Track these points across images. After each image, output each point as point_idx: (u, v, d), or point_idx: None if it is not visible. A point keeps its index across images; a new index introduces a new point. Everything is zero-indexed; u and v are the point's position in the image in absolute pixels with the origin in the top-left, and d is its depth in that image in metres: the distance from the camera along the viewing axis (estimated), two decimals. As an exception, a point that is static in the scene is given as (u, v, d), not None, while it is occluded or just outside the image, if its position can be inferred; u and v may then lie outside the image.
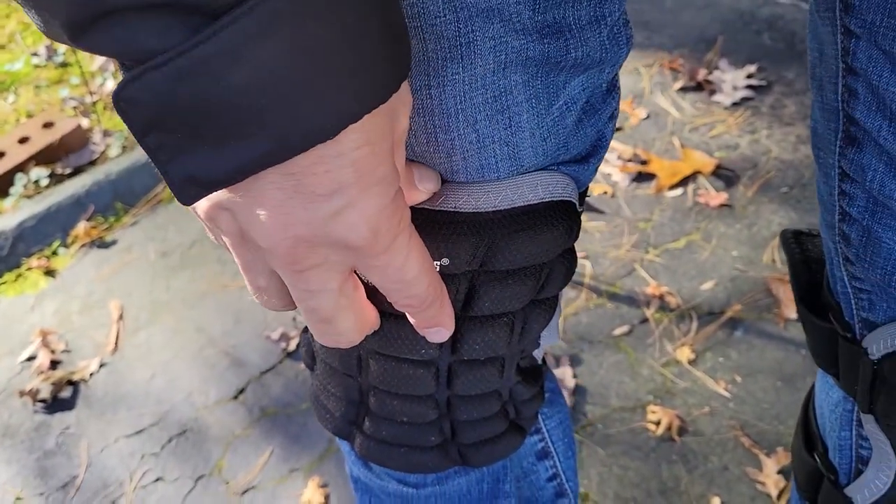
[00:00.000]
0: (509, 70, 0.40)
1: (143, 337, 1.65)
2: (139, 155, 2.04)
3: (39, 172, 2.01)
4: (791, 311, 1.53)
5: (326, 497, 1.33)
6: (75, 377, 1.57)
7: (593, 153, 0.49)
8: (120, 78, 0.30)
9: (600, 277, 1.66)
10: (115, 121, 2.21)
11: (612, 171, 1.91)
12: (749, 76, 2.15)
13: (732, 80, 2.13)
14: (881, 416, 0.59)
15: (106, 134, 2.15)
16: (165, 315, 1.69)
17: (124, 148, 2.10)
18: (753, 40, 2.30)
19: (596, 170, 0.50)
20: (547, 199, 0.45)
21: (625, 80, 2.20)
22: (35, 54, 2.52)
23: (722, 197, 1.81)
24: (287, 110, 0.29)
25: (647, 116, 2.07)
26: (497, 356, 0.51)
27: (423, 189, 0.43)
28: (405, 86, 0.35)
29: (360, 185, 0.32)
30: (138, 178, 2.00)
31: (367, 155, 0.32)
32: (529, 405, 0.58)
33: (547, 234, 0.45)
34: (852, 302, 0.58)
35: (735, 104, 2.08)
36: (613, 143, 1.98)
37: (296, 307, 0.41)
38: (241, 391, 1.52)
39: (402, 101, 0.35)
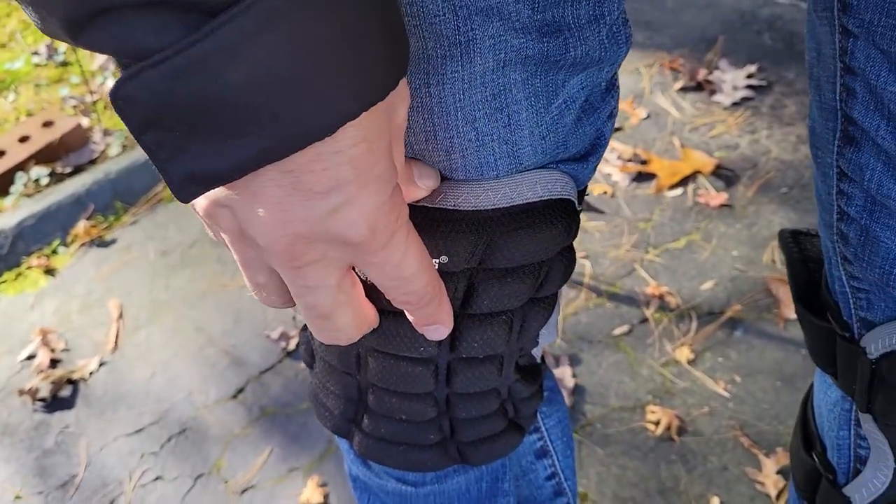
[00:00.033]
0: (508, 68, 0.40)
1: (142, 336, 1.65)
2: (139, 154, 2.04)
3: (39, 171, 2.01)
4: (791, 312, 1.53)
5: (325, 496, 1.33)
6: (75, 376, 1.57)
7: (592, 152, 0.49)
8: (118, 76, 0.30)
9: (600, 277, 1.66)
10: (115, 120, 2.21)
11: (612, 170, 1.91)
12: (749, 76, 2.15)
13: (733, 80, 2.13)
14: (879, 416, 0.59)
15: (106, 133, 2.15)
16: (165, 314, 1.69)
17: (124, 147, 2.10)
18: (754, 40, 2.30)
19: (595, 168, 0.50)
20: (546, 198, 0.45)
21: (625, 79, 2.20)
22: (35, 53, 2.52)
23: (722, 197, 1.81)
24: (285, 108, 0.29)
25: (648, 116, 2.07)
26: (496, 354, 0.51)
27: (422, 186, 0.43)
28: (403, 82, 0.35)
29: (357, 182, 0.32)
30: (138, 178, 2.00)
31: (365, 152, 0.32)
32: (528, 403, 0.58)
33: (546, 232, 0.45)
34: (850, 301, 0.58)
35: (735, 104, 2.08)
36: (613, 143, 1.98)
37: (295, 304, 0.41)
38: (241, 390, 1.52)
39: (399, 97, 0.35)
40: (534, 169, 0.45)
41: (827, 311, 0.62)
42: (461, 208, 0.44)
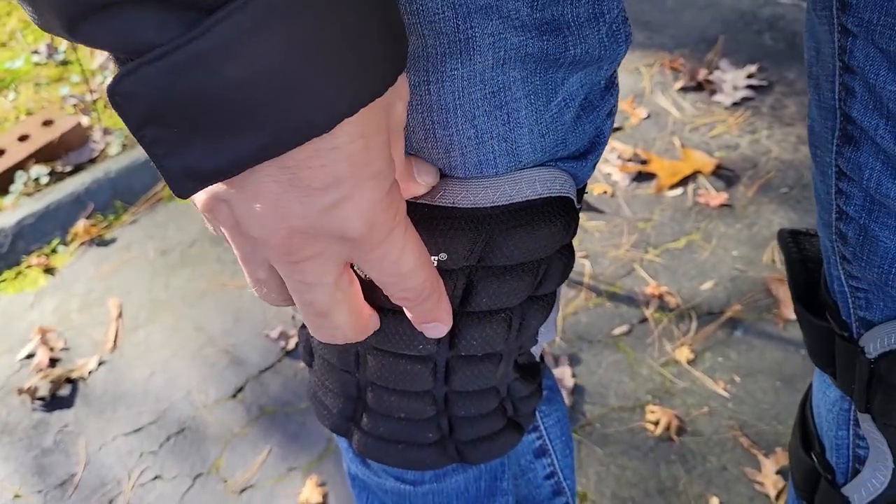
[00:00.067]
0: (508, 66, 0.40)
1: (142, 335, 1.65)
2: (139, 153, 2.04)
3: (39, 170, 2.01)
4: (790, 312, 1.53)
5: (324, 496, 1.33)
6: (74, 375, 1.57)
7: (591, 150, 0.49)
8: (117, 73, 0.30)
9: (600, 277, 1.66)
10: (115, 119, 2.21)
11: (612, 170, 1.91)
12: (750, 76, 2.15)
13: (733, 80, 2.13)
14: (878, 416, 0.59)
15: (106, 132, 2.15)
16: (164, 313, 1.69)
17: (124, 146, 2.10)
18: (754, 40, 2.30)
19: (594, 166, 0.50)
20: (545, 195, 0.45)
21: (625, 79, 2.20)
22: (35, 52, 2.52)
23: (722, 197, 1.81)
24: (282, 105, 0.29)
25: (648, 116, 2.07)
26: (495, 352, 0.51)
27: (421, 182, 0.43)
28: (402, 77, 0.35)
29: (354, 178, 0.32)
30: (138, 177, 2.00)
31: (362, 148, 0.32)
32: (527, 402, 0.58)
33: (545, 230, 0.45)
34: (849, 301, 0.58)
35: (735, 104, 2.08)
36: (614, 143, 1.98)
37: (292, 302, 0.41)
38: (240, 390, 1.52)
39: (398, 93, 0.35)
40: (533, 167, 0.45)
41: (826, 310, 0.62)
42: (460, 206, 0.44)
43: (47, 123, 2.10)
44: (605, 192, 1.86)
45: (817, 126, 0.54)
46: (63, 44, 2.53)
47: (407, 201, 0.39)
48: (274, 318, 1.65)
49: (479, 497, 0.67)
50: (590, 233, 1.76)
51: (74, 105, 2.27)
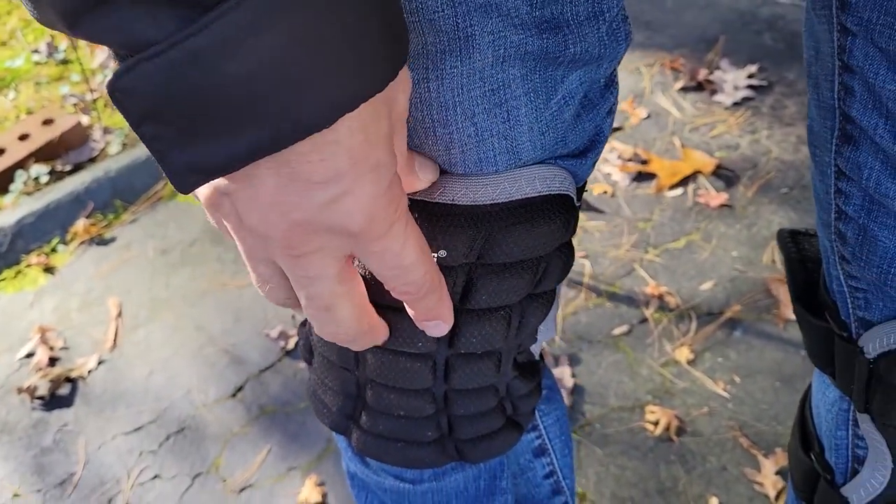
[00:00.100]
0: (507, 64, 0.40)
1: (141, 334, 1.65)
2: (139, 152, 2.04)
3: (39, 169, 2.01)
4: (790, 312, 1.53)
5: (324, 496, 1.33)
6: (73, 374, 1.57)
7: (591, 148, 0.49)
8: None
9: (600, 277, 1.66)
10: (115, 118, 2.21)
11: (612, 170, 1.91)
12: (750, 76, 2.15)
13: (733, 80, 2.13)
14: (877, 416, 0.59)
15: (106, 131, 2.15)
16: (164, 312, 1.69)
17: (124, 145, 2.10)
18: (754, 40, 2.30)
19: (594, 165, 0.50)
20: (544, 193, 0.46)
21: (625, 79, 2.20)
22: (36, 51, 2.52)
23: (722, 197, 1.80)
24: (281, 101, 0.29)
25: (648, 116, 2.07)
26: (494, 350, 0.51)
27: (422, 178, 0.43)
28: (404, 69, 0.35)
29: (355, 172, 0.32)
30: (138, 176, 2.00)
31: (363, 142, 0.32)
32: (526, 401, 0.58)
33: (544, 227, 0.45)
34: (848, 301, 0.58)
35: (736, 104, 2.08)
36: (614, 143, 1.98)
37: (297, 301, 0.41)
38: (240, 389, 1.52)
39: (400, 86, 0.35)
40: (533, 164, 0.45)
41: (825, 310, 0.62)
42: (460, 203, 0.44)
43: (47, 122, 2.10)
44: (606, 192, 1.86)
45: (816, 125, 0.54)
46: (63, 43, 2.53)
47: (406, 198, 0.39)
48: (274, 317, 1.65)
49: (479, 496, 0.67)
50: (590, 233, 1.76)
51: (75, 104, 2.27)
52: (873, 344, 0.56)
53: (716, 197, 1.81)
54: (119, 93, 0.29)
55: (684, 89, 2.15)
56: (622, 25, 0.44)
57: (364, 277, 0.45)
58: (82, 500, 1.37)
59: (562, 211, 0.46)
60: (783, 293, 1.57)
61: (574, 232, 0.49)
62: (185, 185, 0.32)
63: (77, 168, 2.05)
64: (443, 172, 0.45)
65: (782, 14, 2.39)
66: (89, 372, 1.58)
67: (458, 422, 0.55)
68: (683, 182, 1.87)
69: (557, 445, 0.75)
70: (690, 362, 1.47)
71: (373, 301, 0.45)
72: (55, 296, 1.76)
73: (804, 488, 0.73)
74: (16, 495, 1.39)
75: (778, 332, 1.51)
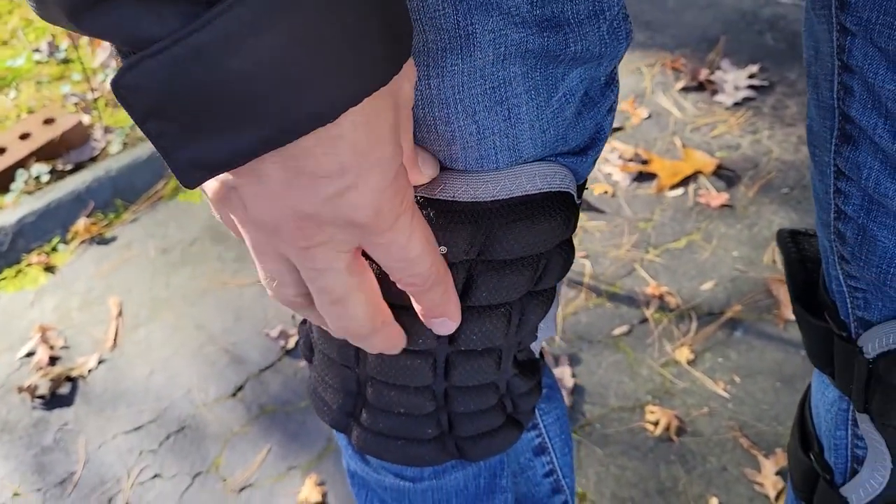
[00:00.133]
0: (508, 62, 0.40)
1: (142, 334, 1.65)
2: (140, 151, 2.04)
3: (40, 168, 2.01)
4: (791, 312, 1.53)
5: (324, 495, 1.33)
6: (74, 373, 1.57)
7: (592, 146, 0.49)
8: (120, 66, 0.30)
9: (600, 277, 1.66)
10: (116, 117, 2.21)
11: (612, 170, 1.91)
12: (751, 76, 2.14)
13: (734, 80, 2.13)
14: (876, 416, 0.59)
15: (107, 130, 2.15)
16: (165, 312, 1.70)
17: (125, 144, 2.10)
18: (755, 40, 2.29)
19: (594, 162, 0.50)
20: (545, 190, 0.46)
21: (626, 79, 2.20)
22: (37, 50, 2.52)
23: (723, 197, 1.80)
24: (285, 97, 0.29)
25: (649, 116, 2.07)
26: (494, 347, 0.51)
27: (424, 173, 0.43)
28: (409, 60, 0.35)
29: (360, 166, 0.33)
30: (139, 175, 2.01)
31: (367, 136, 0.32)
32: (526, 399, 0.58)
33: (545, 224, 0.45)
34: (847, 301, 0.58)
35: (737, 104, 2.08)
36: (615, 143, 1.98)
37: (305, 300, 0.41)
38: (240, 388, 1.52)
39: (405, 76, 0.35)
40: (533, 161, 0.45)
41: (824, 310, 0.62)
42: (460, 199, 0.44)
43: (48, 122, 2.10)
44: (606, 192, 1.86)
45: (816, 125, 0.54)
46: (64, 42, 2.53)
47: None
48: (274, 317, 1.65)
49: (479, 494, 0.67)
50: (590, 233, 1.76)
51: (76, 103, 2.27)
52: (872, 344, 0.56)
53: (716, 197, 1.81)
54: (123, 90, 0.29)
55: (685, 89, 2.15)
56: (623, 24, 0.44)
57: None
58: (82, 500, 1.37)
59: (562, 208, 0.46)
60: (784, 293, 1.57)
61: (574, 229, 0.49)
62: (191, 181, 0.32)
63: (78, 167, 2.05)
64: (444, 169, 0.45)
65: (784, 14, 2.39)
66: (90, 371, 1.58)
67: (459, 419, 0.56)
68: (684, 182, 1.87)
69: (557, 444, 0.75)
70: (691, 362, 1.47)
71: None
72: (56, 295, 1.76)
73: (803, 488, 0.73)
74: (16, 494, 1.39)
75: (778, 333, 1.51)
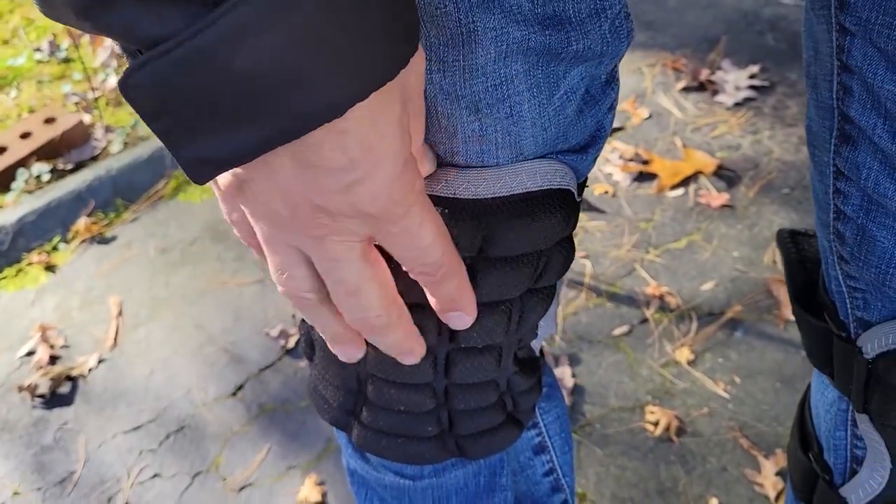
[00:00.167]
0: (510, 59, 0.40)
1: (142, 333, 1.65)
2: (140, 151, 2.05)
3: (41, 168, 2.01)
4: (791, 313, 1.53)
5: (323, 495, 1.33)
6: (74, 373, 1.57)
7: (592, 143, 0.49)
8: (126, 65, 0.30)
9: (600, 277, 1.66)
10: (116, 117, 2.22)
11: (613, 170, 1.91)
12: (752, 76, 2.14)
13: (735, 80, 2.13)
14: (876, 416, 0.59)
15: (108, 130, 2.15)
16: (165, 311, 1.70)
17: (126, 144, 2.10)
18: (756, 41, 2.29)
19: (594, 160, 0.51)
20: (545, 187, 0.46)
21: (627, 79, 2.20)
22: (38, 49, 2.52)
23: (723, 197, 1.80)
24: (290, 95, 0.29)
25: (650, 116, 2.07)
26: (494, 344, 0.51)
27: (426, 166, 0.43)
28: (419, 52, 0.35)
29: (368, 159, 0.33)
30: (139, 175, 2.01)
31: (373, 130, 0.32)
32: (527, 397, 0.58)
33: (545, 221, 0.46)
34: (847, 301, 0.58)
35: (737, 104, 2.08)
36: (615, 143, 1.98)
37: (314, 295, 0.41)
38: (240, 388, 1.52)
39: (412, 69, 0.35)
40: (534, 159, 0.45)
41: (824, 310, 0.62)
42: (461, 197, 0.44)
43: (49, 121, 2.10)
44: (607, 192, 1.86)
45: (815, 125, 0.54)
46: (65, 41, 2.53)
47: None
48: (274, 316, 1.65)
49: (479, 492, 0.67)
50: (591, 233, 1.76)
51: (76, 103, 2.27)
52: (872, 344, 0.56)
53: (717, 197, 1.81)
54: (131, 90, 0.30)
55: (686, 89, 2.15)
56: (624, 23, 0.44)
57: None
58: (82, 499, 1.37)
59: (563, 205, 0.46)
60: (784, 294, 1.57)
61: (575, 226, 0.49)
62: (200, 177, 0.33)
63: (78, 166, 2.06)
64: (445, 165, 0.45)
65: (785, 14, 2.39)
66: (90, 370, 1.58)
67: (459, 417, 0.56)
68: (685, 182, 1.87)
69: (557, 443, 0.75)
70: (691, 363, 1.47)
71: None
72: (56, 294, 1.76)
73: (803, 489, 0.73)
74: (16, 493, 1.39)
75: (779, 333, 1.51)
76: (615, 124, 2.03)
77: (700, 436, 1.36)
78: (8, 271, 1.82)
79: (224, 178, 0.36)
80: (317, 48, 0.29)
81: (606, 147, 1.96)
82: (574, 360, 1.49)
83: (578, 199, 0.50)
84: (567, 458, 0.77)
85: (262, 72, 0.29)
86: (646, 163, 1.92)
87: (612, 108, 0.49)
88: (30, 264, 1.83)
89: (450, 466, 0.64)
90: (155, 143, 2.07)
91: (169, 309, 1.70)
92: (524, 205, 0.45)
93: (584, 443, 1.36)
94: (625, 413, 1.41)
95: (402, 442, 0.56)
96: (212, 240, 1.86)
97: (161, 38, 0.28)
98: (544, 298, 0.51)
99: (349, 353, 0.46)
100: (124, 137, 2.12)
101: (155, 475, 1.39)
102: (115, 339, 1.65)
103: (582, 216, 1.80)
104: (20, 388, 1.54)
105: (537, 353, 0.61)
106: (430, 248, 0.39)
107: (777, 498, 1.25)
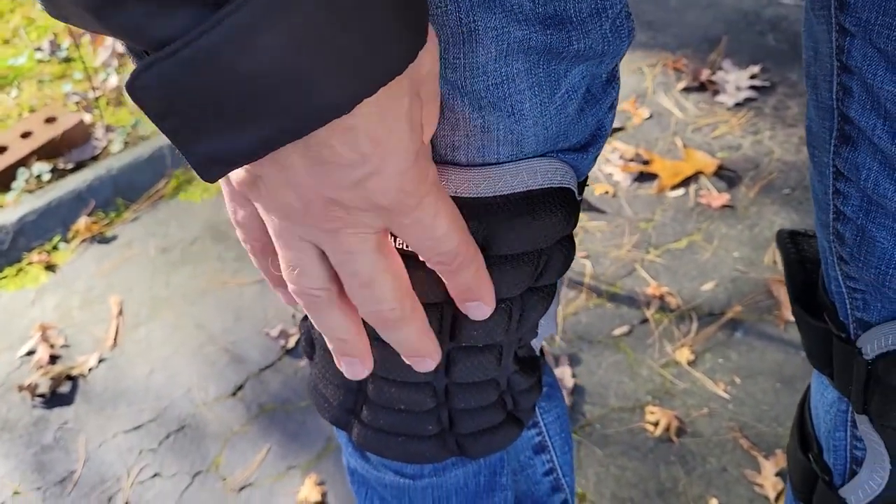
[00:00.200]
0: (511, 58, 0.41)
1: (142, 333, 1.66)
2: (141, 150, 2.05)
3: (41, 167, 2.01)
4: (791, 313, 1.53)
5: (323, 495, 1.33)
6: (74, 372, 1.57)
7: (593, 142, 0.49)
8: (128, 64, 0.30)
9: (601, 277, 1.66)
10: (117, 116, 2.22)
11: (613, 170, 1.91)
12: (752, 77, 2.14)
13: (736, 80, 2.13)
14: (875, 417, 0.59)
15: (108, 129, 2.15)
16: (165, 311, 1.70)
17: (126, 143, 2.10)
18: (757, 41, 2.29)
19: (595, 159, 0.51)
20: (546, 186, 0.46)
21: (628, 79, 2.20)
22: (38, 49, 2.53)
23: (724, 198, 1.80)
24: (296, 93, 0.30)
25: (650, 116, 2.07)
26: (495, 343, 0.51)
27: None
28: (430, 36, 0.35)
29: (378, 153, 0.33)
30: (140, 174, 2.01)
31: (382, 124, 0.32)
32: (527, 396, 0.58)
33: (546, 220, 0.46)
34: (847, 302, 0.58)
35: (738, 105, 2.08)
36: (616, 143, 1.98)
37: (324, 293, 0.41)
38: (240, 388, 1.52)
39: (421, 62, 0.35)
40: (534, 157, 0.45)
41: (823, 311, 0.62)
42: (462, 195, 0.44)
43: (50, 120, 2.10)
44: (607, 193, 1.86)
45: (815, 126, 0.54)
46: (66, 41, 2.53)
47: None
48: (274, 316, 1.65)
49: (479, 492, 0.67)
50: (591, 233, 1.76)
51: (77, 102, 2.27)
52: (871, 345, 0.56)
53: (717, 197, 1.81)
54: (138, 91, 0.30)
55: (687, 89, 2.15)
56: (625, 22, 0.44)
57: None
58: (82, 498, 1.37)
59: (563, 204, 0.46)
60: (784, 294, 1.57)
61: (575, 225, 0.49)
62: (210, 175, 0.33)
63: (79, 166, 2.06)
64: (445, 164, 0.45)
65: (785, 15, 2.39)
66: (90, 370, 1.58)
67: (459, 416, 0.56)
68: (685, 182, 1.87)
69: (557, 443, 0.75)
70: (691, 363, 1.47)
71: None
72: (56, 294, 1.76)
73: (803, 489, 0.73)
74: (16, 493, 1.39)
75: (779, 334, 1.51)
76: (616, 124, 2.03)
77: (700, 436, 1.36)
78: (8, 271, 1.82)
79: (237, 174, 0.36)
80: (317, 48, 0.29)
81: (607, 147, 1.96)
82: (574, 360, 1.49)
83: (579, 198, 0.50)
84: (567, 458, 0.77)
85: (263, 72, 0.29)
86: (646, 163, 1.91)
87: (612, 107, 0.49)
88: (30, 264, 1.83)
89: (450, 465, 0.64)
90: (155, 142, 2.07)
91: (169, 308, 1.70)
92: (525, 203, 0.45)
93: (584, 443, 1.36)
94: (625, 413, 1.41)
95: (403, 441, 0.56)
96: (212, 239, 1.86)
97: (169, 39, 0.28)
98: (545, 297, 0.51)
99: (355, 370, 0.45)
100: (125, 137, 2.12)
101: (155, 475, 1.39)
102: (116, 338, 1.65)
103: (582, 216, 1.80)
104: (20, 388, 1.54)
105: (537, 353, 0.61)
106: (444, 237, 0.39)
107: (777, 498, 1.25)
